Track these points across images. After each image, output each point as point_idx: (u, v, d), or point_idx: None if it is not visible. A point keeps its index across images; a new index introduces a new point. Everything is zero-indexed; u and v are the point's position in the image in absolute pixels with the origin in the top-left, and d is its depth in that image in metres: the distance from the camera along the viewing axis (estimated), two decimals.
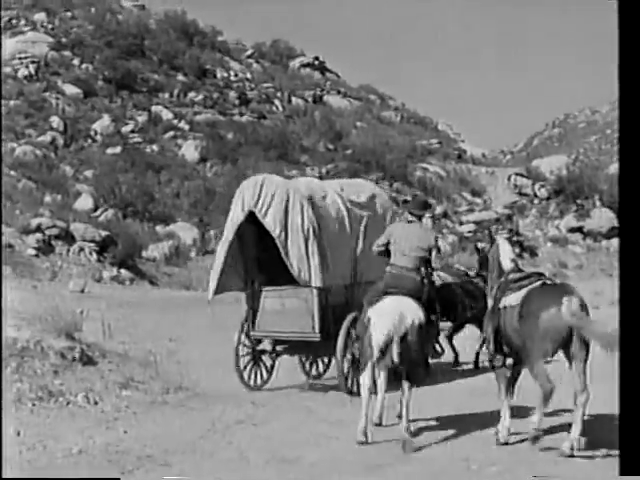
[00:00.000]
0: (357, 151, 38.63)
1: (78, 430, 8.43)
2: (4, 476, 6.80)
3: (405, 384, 8.10)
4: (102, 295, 19.73)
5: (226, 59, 46.67)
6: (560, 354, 7.52)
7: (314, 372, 12.05)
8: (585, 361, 7.37)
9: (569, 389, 7.44)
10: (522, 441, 7.89)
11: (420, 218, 8.77)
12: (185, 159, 35.13)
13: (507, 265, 8.23)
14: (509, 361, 8.09)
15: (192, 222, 29.95)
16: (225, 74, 44.12)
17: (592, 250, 34.62)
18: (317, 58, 52.04)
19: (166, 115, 37.83)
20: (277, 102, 43.59)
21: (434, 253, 8.47)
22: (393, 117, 50.03)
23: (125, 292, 21.56)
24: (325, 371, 12.06)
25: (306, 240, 10.53)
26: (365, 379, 8.11)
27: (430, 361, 11.15)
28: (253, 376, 11.27)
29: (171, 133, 36.67)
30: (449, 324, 12.64)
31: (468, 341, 13.25)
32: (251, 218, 10.85)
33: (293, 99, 44.79)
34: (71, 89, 37.02)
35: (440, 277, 12.15)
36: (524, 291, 7.75)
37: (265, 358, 11.42)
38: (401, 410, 8.05)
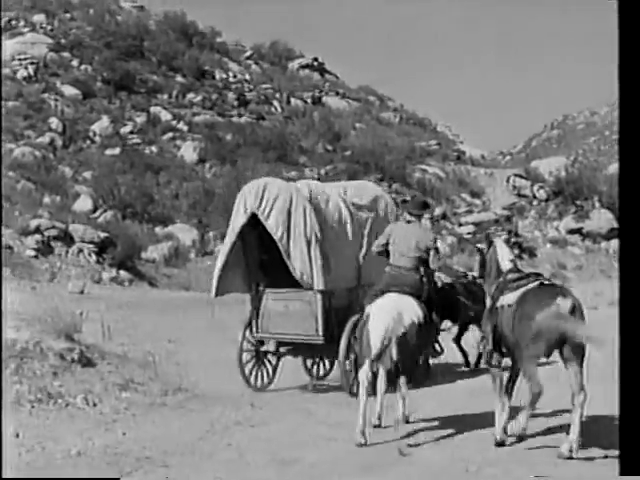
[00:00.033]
0: (356, 152, 38.56)
1: (77, 431, 8.42)
2: (3, 477, 6.79)
3: (402, 379, 8.11)
4: (101, 296, 19.71)
5: (225, 60, 46.63)
6: (558, 354, 7.52)
7: (318, 373, 12.04)
8: (581, 362, 7.36)
9: (567, 390, 7.43)
10: (521, 441, 7.89)
11: (419, 218, 8.77)
12: (184, 160, 35.09)
13: (505, 265, 8.23)
14: (507, 361, 8.09)
15: (191, 223, 29.91)
16: (224, 75, 44.09)
17: (591, 251, 34.60)
18: (316, 59, 52.01)
19: (165, 116, 37.80)
20: (276, 103, 43.57)
21: (432, 253, 8.47)
22: (392, 118, 49.97)
23: (124, 293, 21.54)
24: (329, 372, 12.05)
25: (308, 243, 10.51)
26: (362, 376, 8.10)
27: (430, 361, 11.14)
28: (257, 377, 11.26)
29: (170, 134, 36.64)
30: (449, 324, 12.62)
31: (470, 342, 13.22)
32: (254, 221, 10.85)
33: (292, 100, 44.76)
34: (70, 90, 36.99)
35: (440, 278, 12.13)
36: (520, 291, 7.76)
37: (269, 359, 11.42)
38: (398, 407, 8.07)
